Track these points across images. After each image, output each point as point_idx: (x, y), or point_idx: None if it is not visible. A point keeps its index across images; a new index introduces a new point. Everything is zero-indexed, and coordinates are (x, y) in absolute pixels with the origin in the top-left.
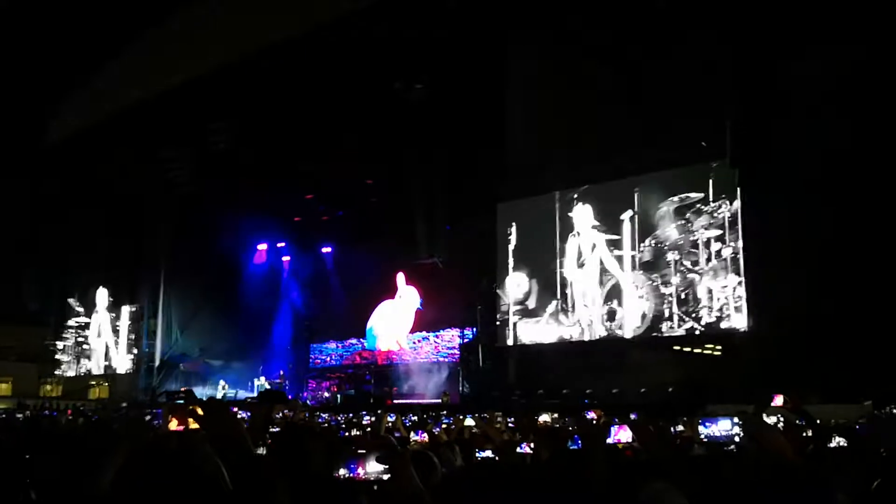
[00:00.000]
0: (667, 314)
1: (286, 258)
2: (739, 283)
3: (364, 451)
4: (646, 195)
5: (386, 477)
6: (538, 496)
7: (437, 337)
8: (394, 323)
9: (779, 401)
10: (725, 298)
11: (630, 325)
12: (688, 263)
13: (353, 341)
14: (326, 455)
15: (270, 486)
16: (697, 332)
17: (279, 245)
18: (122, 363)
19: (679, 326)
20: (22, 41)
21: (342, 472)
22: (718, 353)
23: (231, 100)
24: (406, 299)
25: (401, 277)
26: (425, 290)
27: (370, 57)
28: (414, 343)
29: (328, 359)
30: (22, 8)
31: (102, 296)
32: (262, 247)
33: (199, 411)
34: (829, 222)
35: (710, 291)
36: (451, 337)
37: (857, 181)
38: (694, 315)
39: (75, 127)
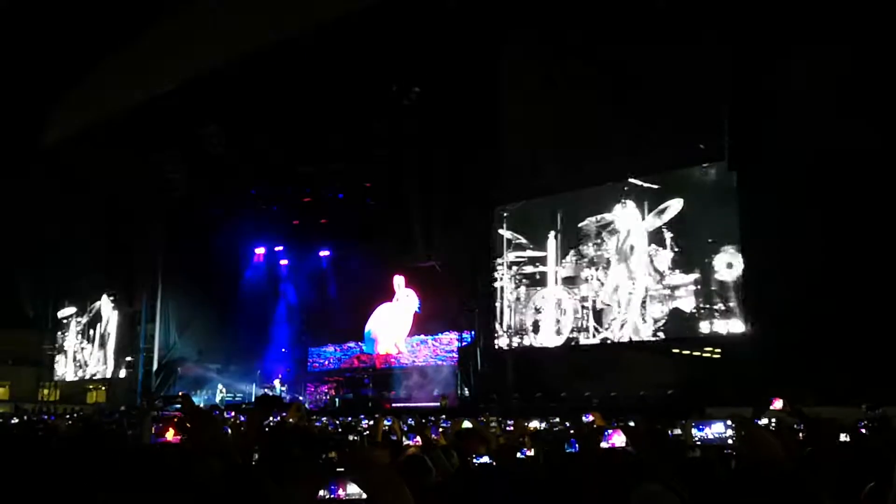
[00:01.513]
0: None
1: (284, 261)
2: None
3: (344, 470)
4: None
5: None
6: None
7: (435, 340)
8: (392, 326)
9: (778, 404)
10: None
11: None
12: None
13: (352, 345)
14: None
15: (261, 496)
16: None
17: (277, 248)
18: (120, 367)
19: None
20: (20, 42)
21: (322, 493)
22: (718, 355)
23: (228, 102)
24: (404, 302)
25: (399, 280)
26: (423, 293)
27: (367, 59)
28: (412, 346)
29: (326, 362)
30: (19, 9)
31: (100, 299)
32: (260, 250)
33: (186, 423)
34: (826, 225)
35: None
36: (449, 340)
37: (854, 183)
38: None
39: (72, 129)
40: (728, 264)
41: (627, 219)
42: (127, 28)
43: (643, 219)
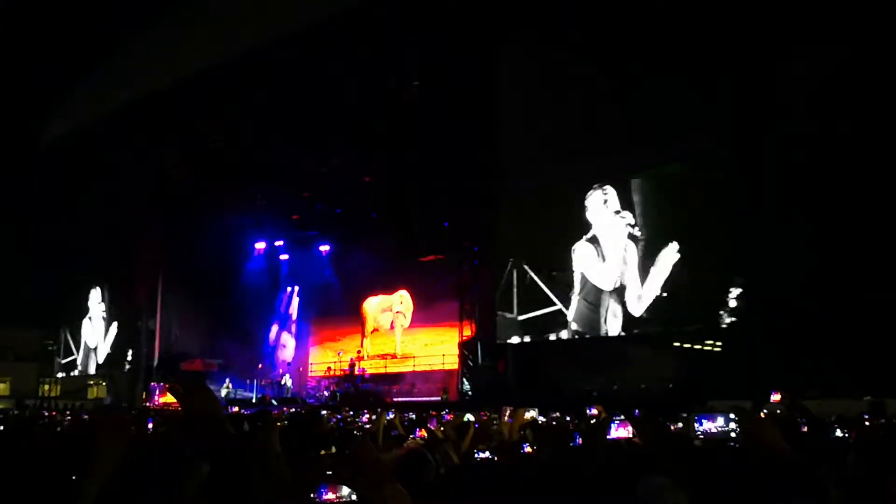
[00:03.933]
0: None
1: (284, 256)
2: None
3: (334, 473)
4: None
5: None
6: (536, 499)
7: (436, 334)
8: (392, 320)
9: (777, 397)
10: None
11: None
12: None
13: (353, 339)
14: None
15: (248, 468)
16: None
17: (277, 244)
18: (122, 363)
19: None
20: (21, 40)
21: (312, 496)
22: (718, 348)
23: (228, 98)
24: (404, 299)
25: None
26: (424, 288)
27: (368, 55)
28: (413, 341)
29: (327, 357)
30: (19, 6)
31: (100, 296)
32: (261, 245)
33: (180, 389)
34: (826, 220)
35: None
36: (450, 335)
37: (854, 180)
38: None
39: (73, 126)
40: (728, 259)
41: (627, 214)
42: (127, 26)
43: (643, 216)
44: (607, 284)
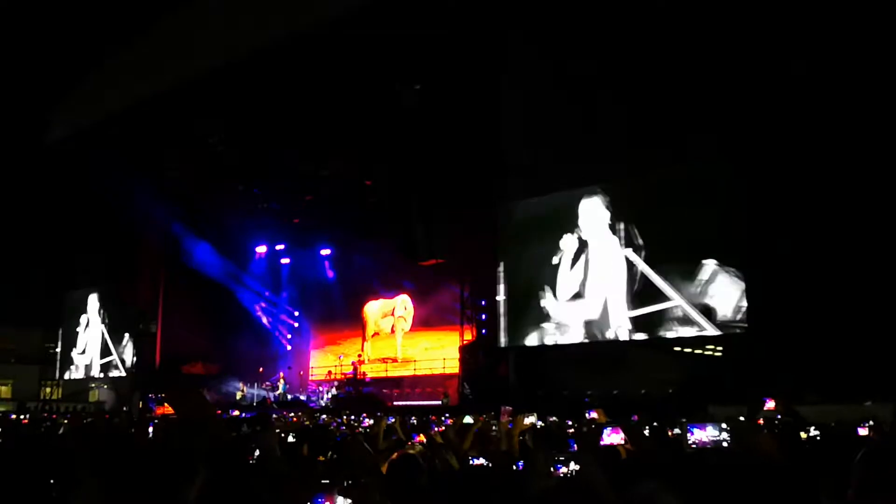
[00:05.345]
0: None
1: (286, 260)
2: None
3: (330, 482)
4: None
5: None
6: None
7: (437, 338)
8: (394, 324)
9: (771, 404)
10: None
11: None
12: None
13: (353, 343)
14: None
15: (247, 470)
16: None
17: (278, 247)
18: (123, 365)
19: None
20: (22, 42)
21: None
22: (719, 353)
23: (230, 101)
24: (406, 304)
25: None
26: (425, 291)
27: (369, 57)
28: (414, 344)
29: (328, 360)
30: (20, 8)
31: (101, 298)
32: (262, 249)
33: (172, 394)
34: (827, 222)
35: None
36: (451, 338)
37: (854, 181)
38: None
39: (74, 128)
40: (729, 261)
41: (628, 214)
42: (128, 27)
43: (640, 218)
44: (602, 289)
